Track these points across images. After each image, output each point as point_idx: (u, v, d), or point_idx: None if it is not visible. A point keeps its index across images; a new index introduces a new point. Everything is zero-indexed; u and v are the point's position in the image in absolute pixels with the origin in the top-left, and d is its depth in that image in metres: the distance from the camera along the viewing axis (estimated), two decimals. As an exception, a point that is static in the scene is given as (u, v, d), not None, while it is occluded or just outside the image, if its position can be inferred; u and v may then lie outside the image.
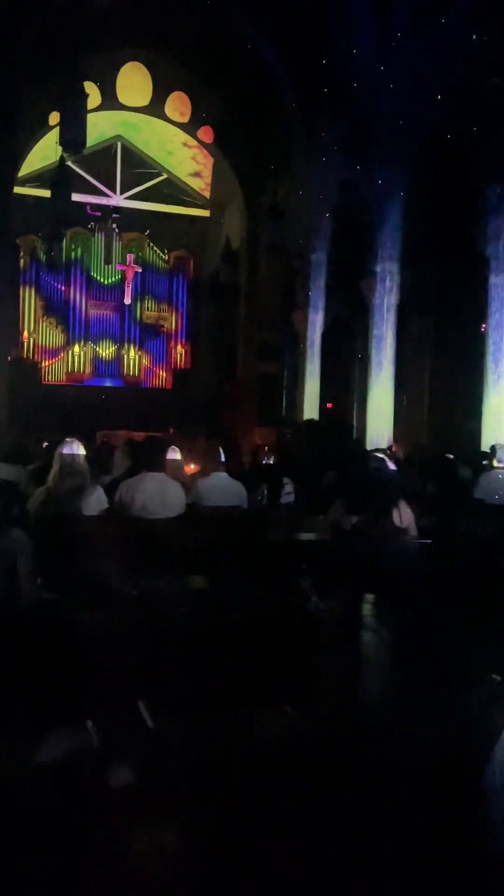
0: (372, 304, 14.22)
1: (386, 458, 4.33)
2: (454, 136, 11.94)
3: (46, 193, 19.85)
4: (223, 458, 5.41)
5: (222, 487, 5.27)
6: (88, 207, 22.84)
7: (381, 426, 14.42)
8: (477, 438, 11.09)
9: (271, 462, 7.39)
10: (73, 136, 11.13)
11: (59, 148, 14.39)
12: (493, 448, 6.75)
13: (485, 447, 10.98)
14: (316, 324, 17.33)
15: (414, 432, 13.82)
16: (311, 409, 17.63)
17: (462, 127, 11.55)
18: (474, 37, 10.54)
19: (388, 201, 13.90)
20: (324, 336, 17.34)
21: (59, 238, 15.86)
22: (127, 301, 22.95)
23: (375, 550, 3.70)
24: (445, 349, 13.44)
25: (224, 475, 5.38)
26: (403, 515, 3.99)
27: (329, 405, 18.05)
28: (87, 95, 12.01)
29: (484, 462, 8.19)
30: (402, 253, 13.87)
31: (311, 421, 16.66)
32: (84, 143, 11.67)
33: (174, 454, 6.24)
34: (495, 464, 6.52)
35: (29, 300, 23.19)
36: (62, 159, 13.50)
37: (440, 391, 13.55)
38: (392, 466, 4.33)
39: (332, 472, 9.34)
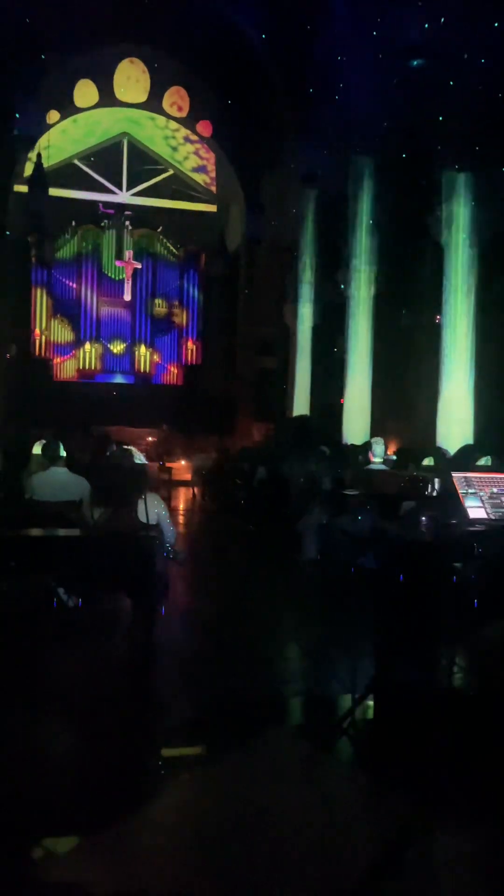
0: (347, 296, 13.98)
1: (134, 451, 4.20)
2: (422, 130, 11.71)
3: (54, 192, 20.31)
4: (63, 453, 5.35)
5: (59, 483, 5.20)
6: (101, 205, 23.09)
7: (359, 420, 14.18)
8: (432, 430, 10.81)
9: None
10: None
11: (51, 147, 14.61)
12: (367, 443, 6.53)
13: (439, 439, 10.69)
14: (306, 318, 17.17)
15: (388, 426, 13.50)
16: (302, 403, 17.46)
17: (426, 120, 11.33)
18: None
19: (364, 195, 13.67)
20: (314, 330, 17.16)
21: (46, 235, 16.03)
22: (126, 297, 23.09)
23: (106, 543, 3.60)
24: (413, 341, 13.10)
25: (63, 470, 5.30)
26: (150, 510, 3.86)
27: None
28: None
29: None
30: (379, 246, 13.61)
31: (296, 418, 16.50)
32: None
33: None
34: (371, 458, 6.30)
35: (40, 297, 23.51)
36: (39, 157, 13.65)
37: (409, 384, 13.22)
38: (142, 459, 4.20)
39: (263, 468, 9.24)
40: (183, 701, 3.49)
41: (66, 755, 3.01)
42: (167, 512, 4.03)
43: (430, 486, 3.24)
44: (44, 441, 6.09)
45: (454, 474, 3.01)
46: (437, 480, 3.27)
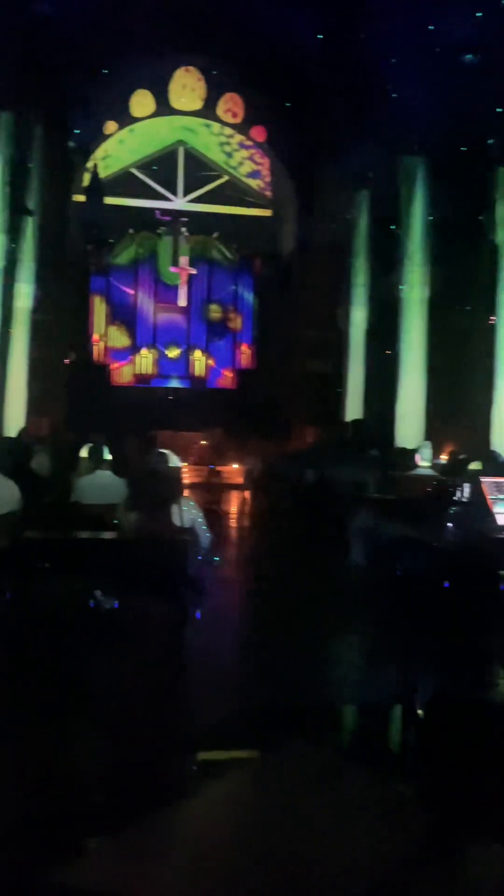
0: (401, 298, 13.82)
1: (170, 455, 4.21)
2: (476, 127, 11.52)
3: (112, 201, 20.75)
4: (107, 456, 5.43)
5: (102, 486, 5.29)
6: (157, 212, 23.42)
7: (413, 424, 13.97)
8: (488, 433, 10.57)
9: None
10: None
11: (109, 157, 14.82)
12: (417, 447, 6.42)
13: (495, 443, 10.45)
14: (359, 321, 17.04)
15: (443, 429, 13.26)
16: (355, 407, 17.33)
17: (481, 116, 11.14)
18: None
19: (417, 195, 13.50)
20: (368, 333, 17.01)
21: (103, 243, 16.34)
22: (181, 303, 23.32)
23: (139, 547, 3.63)
24: (469, 343, 12.85)
25: (108, 473, 5.40)
26: (185, 514, 3.88)
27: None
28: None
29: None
30: (433, 247, 13.40)
31: (349, 422, 16.38)
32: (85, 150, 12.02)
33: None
34: (419, 462, 6.19)
35: (98, 304, 23.96)
36: (95, 167, 13.94)
37: (464, 386, 12.96)
38: (177, 463, 4.21)
39: (312, 472, 9.21)
40: (216, 706, 3.49)
41: (97, 756, 3.04)
42: (202, 516, 4.06)
43: (459, 491, 3.15)
44: (90, 444, 6.19)
45: (485, 480, 2.92)
46: (466, 486, 3.18)
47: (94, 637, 3.51)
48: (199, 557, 3.98)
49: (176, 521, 3.87)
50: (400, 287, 13.76)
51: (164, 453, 4.20)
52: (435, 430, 13.65)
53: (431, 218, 13.12)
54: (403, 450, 11.38)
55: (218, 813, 2.90)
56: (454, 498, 3.14)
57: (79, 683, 3.43)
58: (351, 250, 16.95)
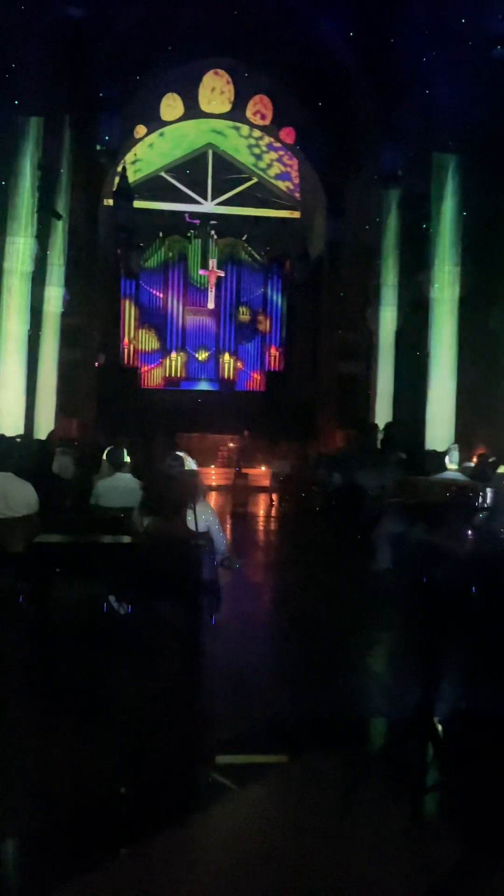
0: (431, 299, 13.56)
1: (187, 458, 4.11)
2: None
3: (141, 204, 20.84)
4: (126, 459, 5.37)
5: (121, 489, 5.23)
6: (187, 215, 23.48)
7: (442, 426, 13.71)
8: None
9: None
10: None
11: (139, 161, 14.80)
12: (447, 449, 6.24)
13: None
14: (389, 322, 16.81)
15: (475, 432, 13.00)
16: (384, 409, 17.09)
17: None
18: None
19: (448, 194, 13.23)
20: (398, 334, 16.78)
21: (132, 247, 16.38)
22: (210, 306, 23.32)
23: (153, 551, 3.55)
24: (501, 344, 12.58)
25: (127, 476, 5.33)
26: (199, 518, 3.77)
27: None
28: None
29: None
30: (464, 246, 13.13)
31: (377, 424, 16.14)
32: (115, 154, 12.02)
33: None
34: (448, 465, 6.02)
35: (128, 308, 24.10)
36: (124, 171, 13.97)
37: (496, 388, 12.69)
38: (193, 466, 4.11)
39: (338, 474, 9.06)
40: (227, 713, 3.39)
41: (111, 762, 2.97)
42: (219, 521, 3.96)
43: (482, 495, 3.00)
44: (110, 447, 6.14)
45: (509, 484, 2.78)
46: (489, 490, 3.03)
47: (107, 642, 3.43)
48: (216, 563, 3.89)
49: (191, 525, 3.78)
50: (430, 287, 13.51)
51: (179, 456, 4.12)
52: (465, 433, 13.39)
53: (465, 214, 12.86)
54: (433, 452, 11.15)
55: (232, 820, 2.81)
56: (479, 502, 2.99)
57: (89, 688, 3.36)
58: (380, 251, 16.74)
